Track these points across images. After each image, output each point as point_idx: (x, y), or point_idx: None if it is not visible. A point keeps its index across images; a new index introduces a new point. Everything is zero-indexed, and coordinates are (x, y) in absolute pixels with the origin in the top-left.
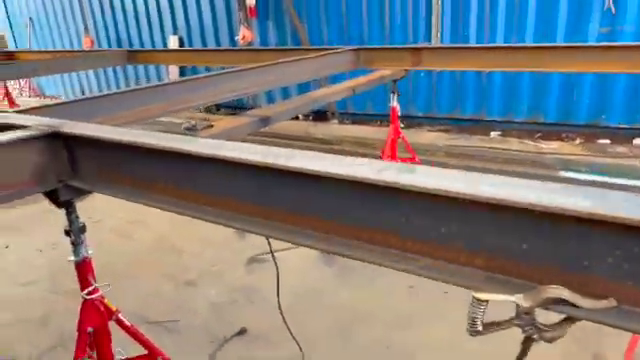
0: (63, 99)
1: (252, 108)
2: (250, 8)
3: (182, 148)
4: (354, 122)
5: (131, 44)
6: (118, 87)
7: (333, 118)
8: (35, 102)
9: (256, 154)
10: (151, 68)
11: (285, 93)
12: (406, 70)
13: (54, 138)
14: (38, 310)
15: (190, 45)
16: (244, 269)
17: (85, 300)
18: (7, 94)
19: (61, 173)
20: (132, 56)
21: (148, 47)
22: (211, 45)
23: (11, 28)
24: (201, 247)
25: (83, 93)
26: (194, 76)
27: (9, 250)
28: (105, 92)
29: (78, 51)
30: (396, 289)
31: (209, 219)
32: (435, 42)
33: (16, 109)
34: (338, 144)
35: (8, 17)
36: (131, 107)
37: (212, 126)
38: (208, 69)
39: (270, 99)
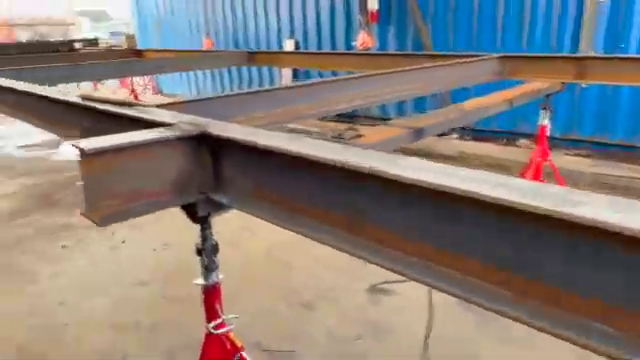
0: (179, 96)
1: (367, 117)
2: (372, 12)
3: (385, 171)
4: (475, 139)
5: (248, 46)
6: (232, 88)
7: (452, 132)
8: (156, 100)
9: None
10: (264, 70)
11: (399, 107)
12: (563, 83)
13: (200, 141)
14: (148, 315)
15: (306, 49)
16: (366, 298)
17: (210, 333)
18: (133, 90)
19: (203, 184)
20: (252, 57)
21: (263, 48)
22: (326, 49)
23: (140, 29)
24: (315, 265)
25: (199, 93)
26: (334, 78)
27: (125, 246)
28: (245, 90)
29: (201, 51)
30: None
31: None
32: (586, 52)
33: (154, 104)
34: (462, 162)
35: (139, 20)
36: (269, 107)
37: (361, 136)
38: (321, 74)
39: (384, 111)
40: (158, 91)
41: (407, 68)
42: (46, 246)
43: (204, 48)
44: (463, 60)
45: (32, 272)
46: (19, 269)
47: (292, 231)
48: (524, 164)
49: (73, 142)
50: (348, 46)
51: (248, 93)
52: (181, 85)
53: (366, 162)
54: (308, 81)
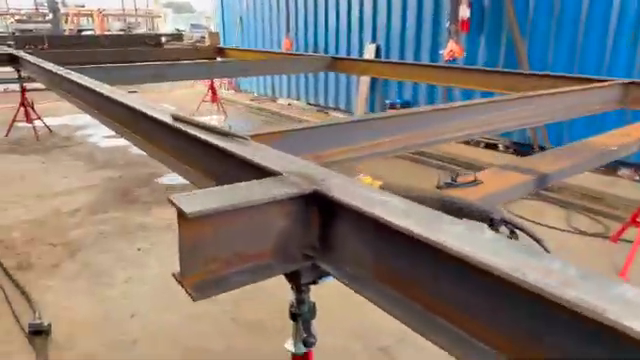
0: (255, 95)
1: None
2: (463, 21)
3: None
4: None
5: (327, 49)
6: (307, 91)
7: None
8: (232, 96)
9: None
10: (341, 77)
11: None
12: None
13: (310, 199)
14: (218, 339)
15: (387, 55)
16: None
17: None
18: (212, 87)
19: (307, 246)
20: (334, 63)
21: (342, 53)
22: (409, 57)
23: (223, 27)
24: None
25: (274, 92)
26: (441, 106)
27: None
28: (343, 119)
29: (284, 53)
30: None
31: None
32: None
33: (250, 133)
34: (554, 191)
35: (222, 17)
36: (370, 137)
37: (477, 183)
38: (400, 84)
39: None
40: (234, 87)
41: (515, 96)
42: (123, 246)
43: (283, 48)
44: (581, 87)
45: (109, 274)
46: (97, 269)
47: (428, 339)
48: (632, 201)
49: (173, 198)
50: (433, 54)
51: (347, 122)
52: (257, 83)
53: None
54: (413, 109)
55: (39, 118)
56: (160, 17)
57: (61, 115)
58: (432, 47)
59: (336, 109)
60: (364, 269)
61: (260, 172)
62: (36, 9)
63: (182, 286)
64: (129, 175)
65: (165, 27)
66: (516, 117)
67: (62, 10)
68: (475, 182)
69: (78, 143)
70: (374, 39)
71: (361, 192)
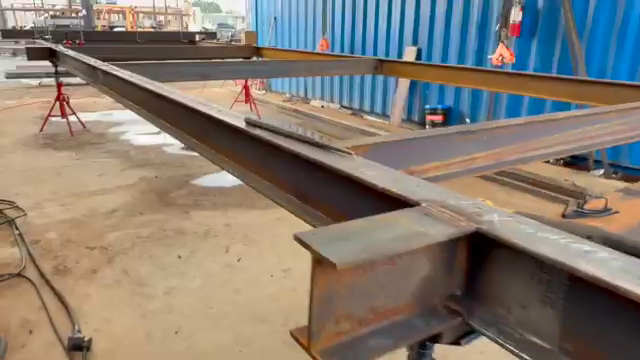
0: (287, 95)
1: None
2: (514, 25)
3: None
4: (626, 178)
5: (364, 51)
6: (341, 94)
7: (596, 168)
8: (263, 96)
9: None
10: (378, 80)
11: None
12: None
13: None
14: None
15: (428, 58)
16: None
17: None
18: (246, 86)
19: (450, 296)
20: (380, 66)
21: (381, 55)
22: (452, 61)
23: (256, 26)
24: None
25: (306, 93)
26: (538, 117)
27: (240, 266)
28: (439, 130)
29: (327, 55)
30: None
31: None
32: None
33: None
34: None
35: (256, 16)
36: (467, 150)
37: (612, 211)
38: (442, 88)
39: None
40: (265, 87)
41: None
42: (161, 253)
43: (319, 49)
44: None
45: (149, 283)
46: (136, 277)
47: None
48: None
49: (303, 238)
50: (478, 59)
51: (444, 135)
52: (289, 84)
53: None
54: (511, 120)
55: (74, 113)
56: (190, 15)
57: (93, 111)
58: (477, 51)
59: (371, 112)
60: (543, 336)
61: (380, 197)
62: (70, 6)
63: (305, 349)
64: (165, 175)
65: (194, 26)
66: (612, 132)
67: (94, 7)
68: (608, 211)
69: (112, 140)
70: (415, 42)
71: (541, 235)
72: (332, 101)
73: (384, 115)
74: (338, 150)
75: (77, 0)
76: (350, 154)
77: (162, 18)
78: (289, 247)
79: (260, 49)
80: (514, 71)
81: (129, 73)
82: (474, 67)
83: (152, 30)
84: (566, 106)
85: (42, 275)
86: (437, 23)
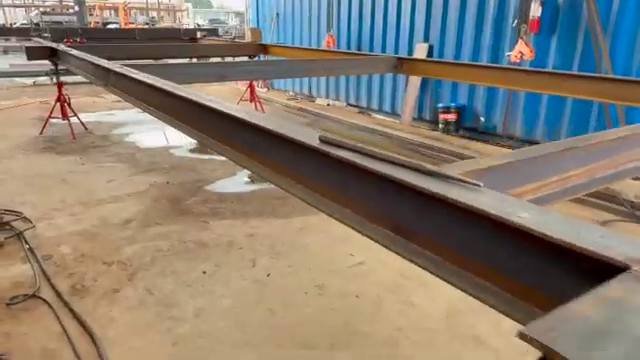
0: (291, 93)
1: (484, 132)
2: (533, 20)
3: None
4: None
5: (371, 48)
6: (347, 92)
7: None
8: (266, 94)
9: None
10: (386, 77)
11: (529, 125)
12: None
13: None
14: None
15: (440, 55)
16: None
17: None
18: (251, 85)
19: None
20: (399, 64)
21: (390, 52)
22: (465, 58)
23: (258, 23)
24: (513, 344)
25: (310, 91)
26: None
27: (271, 281)
28: (554, 145)
29: (342, 52)
30: None
31: None
32: None
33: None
34: None
35: (257, 12)
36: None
37: None
38: (455, 86)
39: (528, 129)
40: (267, 85)
41: None
42: (184, 268)
43: (325, 46)
44: None
45: (176, 303)
46: (161, 297)
47: None
48: None
49: (539, 338)
50: (494, 56)
51: (561, 151)
52: (292, 81)
53: None
54: (604, 134)
55: (75, 115)
56: (184, 11)
57: (94, 111)
58: (493, 48)
59: (379, 111)
60: None
61: (552, 252)
62: (60, 2)
63: None
64: (176, 181)
65: (187, 22)
66: None
67: (86, 3)
68: None
69: (116, 143)
70: (426, 38)
71: None
72: (338, 99)
73: (393, 113)
74: (460, 180)
75: None
76: (478, 185)
77: (155, 14)
78: (319, 259)
79: (267, 47)
80: (552, 70)
81: (148, 76)
82: (505, 66)
83: (150, 27)
84: (589, 105)
85: (59, 295)
86: (450, 18)
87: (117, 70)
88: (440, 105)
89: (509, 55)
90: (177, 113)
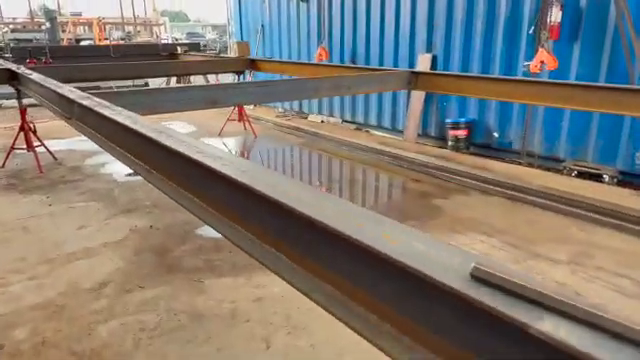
0: (280, 110)
1: (499, 149)
2: (553, 26)
3: None
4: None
5: (368, 60)
6: (342, 107)
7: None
8: (253, 111)
9: None
10: (386, 93)
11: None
12: None
13: None
14: None
15: (445, 67)
16: None
17: None
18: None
19: None
20: (413, 80)
21: (389, 65)
22: (474, 70)
23: (242, 36)
24: None
25: (301, 107)
26: None
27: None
28: None
29: (344, 67)
30: None
31: None
32: None
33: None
34: None
35: (241, 25)
36: None
37: None
38: (463, 99)
39: (550, 146)
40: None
41: None
42: (176, 356)
43: (316, 59)
44: None
45: None
46: None
47: None
48: None
49: None
50: (507, 67)
51: None
52: None
53: None
54: None
55: (42, 144)
56: (162, 25)
57: (64, 137)
58: (506, 58)
59: (378, 127)
60: None
61: None
62: (31, 18)
63: None
64: (161, 224)
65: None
66: None
67: (58, 19)
68: None
69: (90, 175)
70: (429, 48)
71: None
72: (332, 115)
73: (394, 130)
74: None
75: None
76: None
77: (131, 29)
78: (348, 334)
79: (256, 62)
80: (603, 84)
81: (122, 111)
82: (542, 80)
83: (125, 43)
84: (619, 120)
85: None
86: (455, 26)
87: (83, 103)
88: (449, 121)
89: (527, 65)
90: (164, 169)
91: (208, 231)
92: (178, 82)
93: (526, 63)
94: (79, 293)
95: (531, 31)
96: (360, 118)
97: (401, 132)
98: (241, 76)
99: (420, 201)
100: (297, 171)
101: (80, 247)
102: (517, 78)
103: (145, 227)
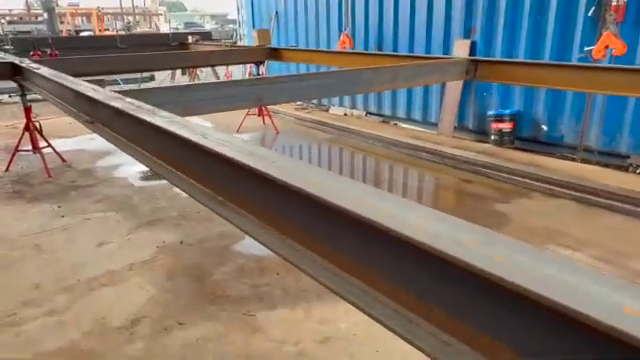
0: (299, 103)
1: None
2: (618, 7)
3: None
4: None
5: (395, 47)
6: (366, 98)
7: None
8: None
9: None
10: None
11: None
12: None
13: None
14: None
15: (486, 54)
16: None
17: None
18: None
19: None
20: (472, 68)
21: (420, 51)
22: (522, 56)
23: (253, 23)
24: None
25: (321, 99)
26: None
27: None
28: None
29: (389, 55)
30: None
31: None
32: None
33: None
34: None
35: (253, 11)
36: None
37: None
38: (507, 89)
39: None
40: None
41: None
42: None
43: (339, 47)
44: None
45: None
46: None
47: None
48: None
49: None
50: (559, 53)
51: None
52: None
53: None
54: None
55: (49, 145)
56: (161, 14)
57: (72, 135)
58: (559, 44)
59: (407, 120)
60: None
61: None
62: (28, 9)
63: None
64: (193, 238)
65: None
66: None
67: (56, 10)
68: None
69: (103, 180)
70: (466, 34)
71: None
72: (355, 107)
73: (425, 122)
74: None
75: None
76: None
77: (131, 19)
78: None
79: (278, 51)
80: None
81: (167, 116)
82: (575, 64)
83: (129, 33)
84: None
85: None
86: (500, 8)
87: (113, 105)
88: (491, 113)
89: (589, 50)
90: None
91: (247, 245)
92: (183, 74)
93: (587, 48)
94: (108, 333)
95: (591, 13)
96: (387, 110)
97: (434, 125)
98: (300, 74)
99: (479, 206)
100: (334, 172)
101: (102, 270)
102: (600, 66)
103: (174, 243)
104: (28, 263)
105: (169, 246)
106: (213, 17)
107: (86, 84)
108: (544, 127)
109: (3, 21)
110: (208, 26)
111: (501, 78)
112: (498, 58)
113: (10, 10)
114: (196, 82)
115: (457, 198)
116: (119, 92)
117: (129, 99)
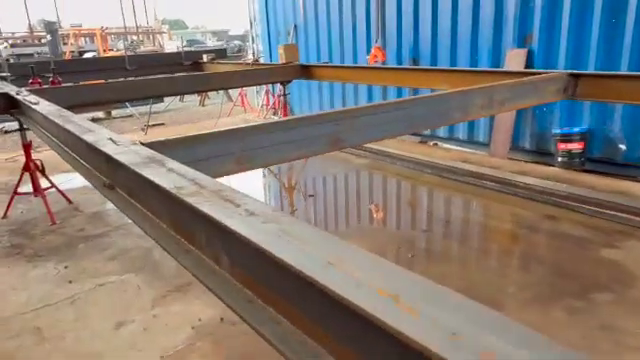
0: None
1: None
2: None
3: None
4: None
5: (434, 60)
6: None
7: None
8: None
9: None
10: None
11: None
12: None
13: None
14: None
15: (545, 65)
16: None
17: None
18: (284, 113)
19: None
20: (570, 85)
21: (463, 64)
22: (591, 68)
23: (269, 39)
24: None
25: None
26: None
27: None
28: None
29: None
30: None
31: None
32: None
33: None
34: None
35: (268, 26)
36: None
37: None
38: (574, 105)
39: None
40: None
41: None
42: None
43: (371, 61)
44: None
45: None
46: None
47: None
48: None
49: None
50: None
51: None
52: (320, 102)
53: None
54: None
55: (53, 185)
56: (165, 32)
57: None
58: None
59: (450, 139)
60: None
61: None
62: (31, 32)
63: None
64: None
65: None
66: None
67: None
68: None
69: (116, 226)
70: (520, 43)
71: None
72: None
73: (471, 142)
74: None
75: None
76: None
77: (134, 38)
78: None
79: (309, 68)
80: None
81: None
82: None
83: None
84: None
85: None
86: (564, 8)
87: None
88: (557, 131)
89: None
90: None
91: None
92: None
93: None
94: None
95: None
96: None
97: (481, 145)
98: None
99: (580, 253)
100: (388, 210)
101: None
102: None
103: (214, 320)
104: (28, 357)
105: (207, 326)
106: (215, 34)
107: (102, 131)
108: (622, 146)
109: (5, 44)
110: (210, 43)
111: (607, 96)
112: (601, 72)
113: (13, 33)
114: (258, 122)
115: (549, 242)
116: (151, 144)
117: (172, 164)
